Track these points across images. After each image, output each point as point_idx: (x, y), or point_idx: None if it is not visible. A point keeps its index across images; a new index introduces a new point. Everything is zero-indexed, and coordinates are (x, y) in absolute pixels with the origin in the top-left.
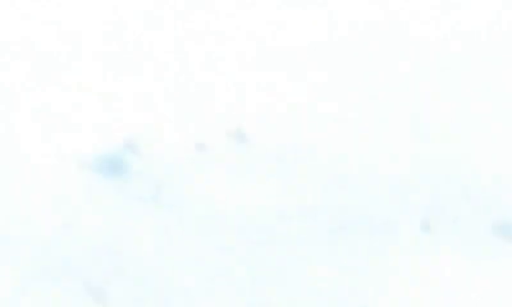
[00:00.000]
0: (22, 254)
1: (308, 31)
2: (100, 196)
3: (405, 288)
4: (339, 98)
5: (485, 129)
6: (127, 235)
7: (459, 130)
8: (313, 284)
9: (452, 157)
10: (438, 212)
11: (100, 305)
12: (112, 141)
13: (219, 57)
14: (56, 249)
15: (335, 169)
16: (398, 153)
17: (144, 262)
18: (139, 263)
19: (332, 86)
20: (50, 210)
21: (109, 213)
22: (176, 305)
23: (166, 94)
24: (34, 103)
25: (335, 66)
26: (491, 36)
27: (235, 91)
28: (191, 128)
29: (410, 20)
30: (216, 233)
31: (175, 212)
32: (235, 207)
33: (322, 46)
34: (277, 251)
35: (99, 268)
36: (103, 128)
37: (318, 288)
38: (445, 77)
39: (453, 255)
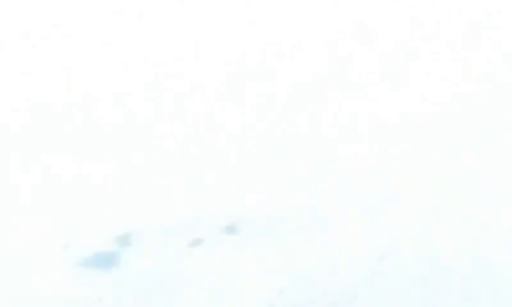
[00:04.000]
0: None
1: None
2: (94, 290)
3: None
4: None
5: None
6: None
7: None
8: None
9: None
10: None
11: None
12: (106, 234)
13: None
14: None
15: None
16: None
17: None
18: None
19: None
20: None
21: None
22: None
23: (158, 190)
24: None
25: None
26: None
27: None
28: (185, 223)
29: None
30: None
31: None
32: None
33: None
34: None
35: None
36: (98, 222)
37: None
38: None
39: None
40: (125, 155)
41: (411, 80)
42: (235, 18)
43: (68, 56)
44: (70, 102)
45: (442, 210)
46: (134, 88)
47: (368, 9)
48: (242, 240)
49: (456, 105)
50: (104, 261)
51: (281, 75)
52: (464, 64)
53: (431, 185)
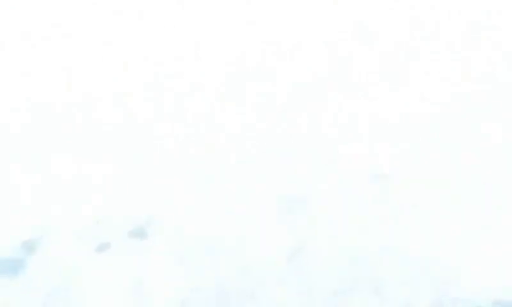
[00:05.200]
0: None
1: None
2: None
3: None
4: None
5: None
6: None
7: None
8: None
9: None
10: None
11: None
12: (10, 241)
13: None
14: None
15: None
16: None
17: None
18: None
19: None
20: None
21: None
22: None
23: (62, 195)
24: None
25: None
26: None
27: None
28: (92, 228)
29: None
30: None
31: None
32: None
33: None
34: None
35: None
36: (1, 229)
37: None
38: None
39: None
40: (125, 155)
41: (411, 80)
42: (235, 18)
43: (68, 56)
44: (70, 102)
45: (442, 210)
46: (134, 88)
47: (368, 9)
48: (151, 243)
49: (456, 105)
50: (9, 268)
51: (281, 75)
52: (464, 64)
53: (431, 185)
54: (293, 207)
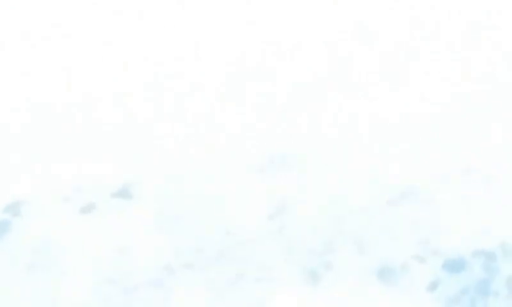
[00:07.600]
0: None
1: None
2: None
3: None
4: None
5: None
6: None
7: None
8: None
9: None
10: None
11: None
12: None
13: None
14: None
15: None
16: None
17: None
18: None
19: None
20: None
21: None
22: None
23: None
24: None
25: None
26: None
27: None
28: (76, 190)
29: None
30: (105, 297)
31: (55, 275)
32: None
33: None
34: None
35: None
36: None
37: None
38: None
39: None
40: (125, 155)
41: (411, 80)
42: (235, 18)
43: (68, 56)
44: (70, 102)
45: (442, 211)
46: (134, 88)
47: (368, 9)
48: (136, 204)
49: (456, 105)
50: None
51: (281, 75)
52: (464, 64)
53: (431, 185)
54: (274, 166)
